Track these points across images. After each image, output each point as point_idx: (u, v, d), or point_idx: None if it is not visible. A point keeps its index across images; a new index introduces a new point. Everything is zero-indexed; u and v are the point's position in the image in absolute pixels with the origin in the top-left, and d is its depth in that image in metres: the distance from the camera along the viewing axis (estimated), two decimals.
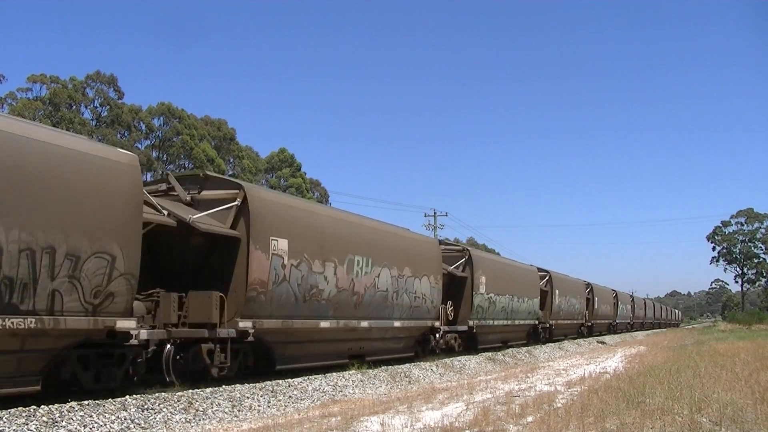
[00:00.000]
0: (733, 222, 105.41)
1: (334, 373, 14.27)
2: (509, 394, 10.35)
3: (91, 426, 8.22)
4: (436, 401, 9.91)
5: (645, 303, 70.44)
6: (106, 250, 9.50)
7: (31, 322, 8.55)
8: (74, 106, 47.32)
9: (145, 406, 9.26)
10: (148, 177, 42.61)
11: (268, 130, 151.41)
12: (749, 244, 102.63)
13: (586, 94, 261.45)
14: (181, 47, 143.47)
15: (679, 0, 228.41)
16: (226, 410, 10.12)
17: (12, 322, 8.32)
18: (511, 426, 7.21)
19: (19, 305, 8.44)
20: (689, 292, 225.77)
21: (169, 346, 11.36)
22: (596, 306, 41.96)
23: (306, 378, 13.32)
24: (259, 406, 10.75)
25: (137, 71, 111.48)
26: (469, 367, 19.26)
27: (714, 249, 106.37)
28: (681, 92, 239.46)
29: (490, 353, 23.11)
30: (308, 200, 17.62)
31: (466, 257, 22.86)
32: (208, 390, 10.84)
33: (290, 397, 11.71)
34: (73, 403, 8.70)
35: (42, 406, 8.30)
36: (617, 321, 50.45)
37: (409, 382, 15.36)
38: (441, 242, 23.46)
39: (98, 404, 8.88)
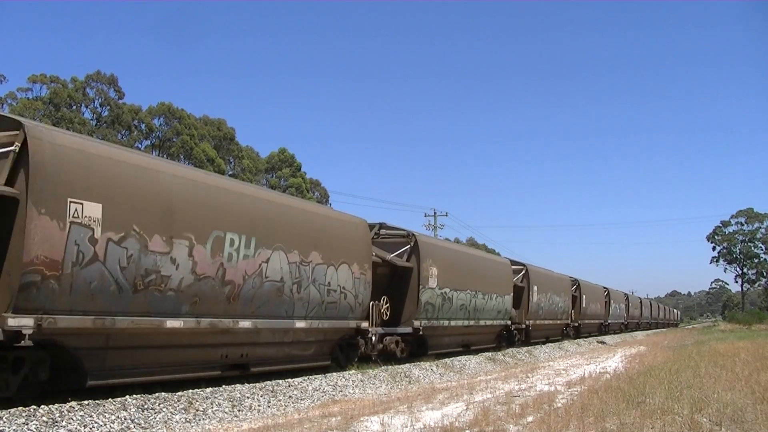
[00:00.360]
0: (733, 222, 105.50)
1: (334, 373, 14.28)
2: (509, 394, 10.35)
3: (91, 426, 8.22)
4: (436, 401, 9.91)
5: (641, 302, 66.48)
6: None
7: None
8: (74, 106, 47.32)
9: (145, 406, 9.26)
10: None
11: (268, 130, 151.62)
12: (749, 244, 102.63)
13: (586, 94, 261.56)
14: (181, 47, 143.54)
15: (679, 0, 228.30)
16: (226, 410, 10.12)
17: None
18: (511, 426, 7.21)
19: None
20: (689, 292, 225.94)
21: None
22: (584, 305, 38.65)
23: (306, 378, 13.32)
24: (259, 406, 10.75)
25: (137, 71, 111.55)
26: (469, 367, 19.28)
27: (714, 249, 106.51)
28: (681, 92, 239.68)
29: (490, 353, 23.08)
30: (147, 155, 13.21)
31: (412, 244, 18.98)
32: (208, 390, 10.84)
33: (290, 397, 11.72)
34: (73, 403, 8.70)
35: (42, 406, 8.30)
36: (609, 321, 47.23)
37: (409, 382, 15.37)
38: (382, 226, 19.85)
39: (98, 404, 8.88)
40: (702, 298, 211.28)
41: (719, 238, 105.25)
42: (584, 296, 38.78)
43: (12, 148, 8.78)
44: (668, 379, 10.72)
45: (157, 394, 9.95)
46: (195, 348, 11.47)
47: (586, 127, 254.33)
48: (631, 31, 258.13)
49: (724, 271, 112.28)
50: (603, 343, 36.02)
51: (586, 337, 38.99)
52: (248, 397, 10.95)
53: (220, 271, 11.34)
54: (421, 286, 18.67)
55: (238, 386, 11.50)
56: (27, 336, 8.57)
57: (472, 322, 22.55)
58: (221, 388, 11.12)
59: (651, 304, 75.87)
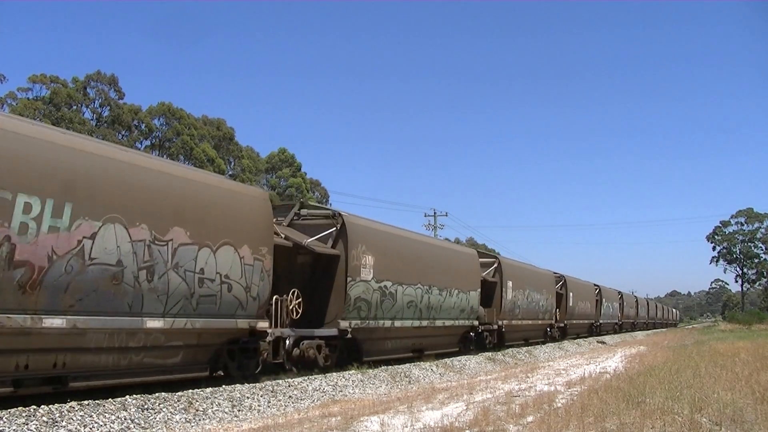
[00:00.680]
0: (733, 222, 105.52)
1: (334, 373, 14.28)
2: (509, 394, 10.35)
3: (91, 426, 8.23)
4: (436, 401, 9.91)
5: (637, 301, 61.93)
6: None
7: None
8: (75, 106, 47.33)
9: (145, 406, 9.27)
10: None
11: (268, 130, 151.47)
12: (749, 244, 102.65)
13: (585, 94, 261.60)
14: (181, 47, 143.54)
15: (679, 0, 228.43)
16: (226, 410, 10.12)
17: None
18: (511, 426, 7.21)
19: None
20: (689, 292, 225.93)
21: None
22: (571, 303, 35.44)
23: (306, 378, 13.32)
24: (259, 406, 10.75)
25: (137, 71, 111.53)
26: (469, 367, 19.28)
27: (714, 249, 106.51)
28: (681, 92, 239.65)
29: (489, 353, 23.04)
30: None
31: (338, 227, 15.55)
32: (208, 390, 10.85)
33: (290, 397, 11.72)
34: (73, 403, 8.71)
35: (42, 406, 8.30)
36: (601, 321, 43.58)
37: (409, 382, 15.37)
38: (303, 204, 16.99)
39: (98, 404, 8.89)
40: (702, 298, 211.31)
41: (719, 238, 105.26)
42: (571, 294, 35.58)
43: None
44: (668, 379, 10.72)
45: (157, 394, 9.95)
46: None
47: (586, 127, 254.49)
48: (631, 31, 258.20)
49: (724, 271, 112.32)
50: (603, 343, 36.02)
51: (574, 338, 36.46)
52: (248, 397, 10.96)
53: (5, 247, 8.36)
54: (350, 278, 15.23)
55: (238, 386, 11.50)
56: None
57: (425, 323, 18.95)
58: (221, 388, 11.13)
59: (648, 304, 72.11)
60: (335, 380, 13.58)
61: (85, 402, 8.87)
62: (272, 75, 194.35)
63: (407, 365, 17.24)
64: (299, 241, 14.90)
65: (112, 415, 8.68)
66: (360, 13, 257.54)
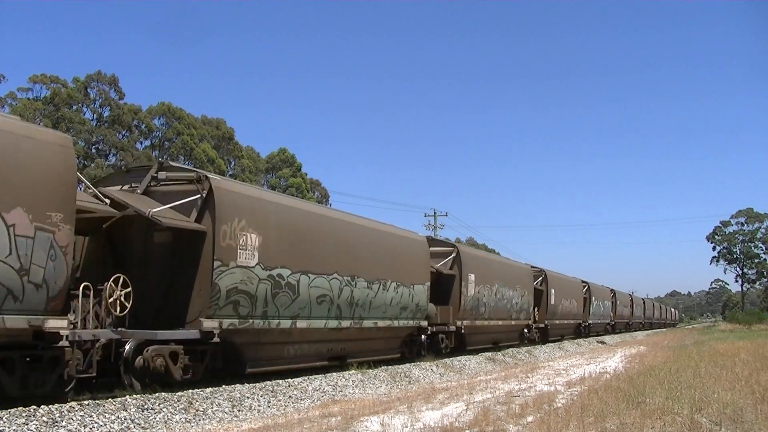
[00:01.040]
0: (733, 222, 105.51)
1: (334, 373, 14.28)
2: (509, 394, 10.35)
3: (91, 426, 8.23)
4: (436, 401, 9.91)
5: (632, 300, 57.77)
6: None
7: None
8: (75, 107, 47.35)
9: (145, 406, 9.27)
10: None
11: (268, 130, 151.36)
12: (749, 244, 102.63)
13: (585, 94, 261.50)
14: (181, 47, 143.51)
15: (679, 0, 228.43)
16: (226, 410, 10.13)
17: None
18: (511, 426, 7.21)
19: None
20: (689, 292, 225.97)
21: None
22: (553, 301, 31.87)
23: (306, 378, 13.32)
24: (259, 406, 10.75)
25: (137, 71, 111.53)
26: (469, 367, 19.27)
27: (714, 249, 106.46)
28: (681, 92, 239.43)
29: (489, 353, 23.02)
30: None
31: (203, 194, 11.74)
32: (208, 390, 10.85)
33: (290, 397, 11.72)
34: (73, 403, 8.72)
35: (42, 406, 8.31)
36: (590, 322, 40.07)
37: (409, 382, 15.37)
38: (163, 165, 12.62)
39: (98, 404, 8.90)
40: (702, 298, 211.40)
41: (719, 238, 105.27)
42: (553, 291, 31.93)
43: None
44: (668, 379, 10.72)
45: (157, 394, 9.96)
46: None
47: (586, 127, 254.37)
48: (631, 31, 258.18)
49: (724, 272, 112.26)
50: (603, 343, 36.02)
51: (558, 341, 33.40)
52: (248, 397, 10.96)
53: None
54: (219, 263, 11.49)
55: (238, 386, 11.51)
56: None
57: (347, 323, 15.29)
58: (221, 388, 11.13)
59: (645, 303, 67.86)
60: (335, 380, 13.59)
61: (85, 402, 8.88)
62: (272, 75, 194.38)
63: (407, 365, 17.23)
64: (139, 210, 11.01)
65: (112, 415, 8.69)
66: (360, 13, 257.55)
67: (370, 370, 15.27)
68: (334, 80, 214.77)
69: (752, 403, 8.01)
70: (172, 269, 11.84)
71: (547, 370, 16.24)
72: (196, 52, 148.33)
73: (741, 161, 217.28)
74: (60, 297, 9.28)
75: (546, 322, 31.16)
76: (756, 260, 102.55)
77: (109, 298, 10.40)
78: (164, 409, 9.41)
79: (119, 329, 10.60)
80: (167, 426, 8.96)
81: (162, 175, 12.33)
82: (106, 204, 10.90)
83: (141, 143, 51.49)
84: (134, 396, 9.62)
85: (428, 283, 19.28)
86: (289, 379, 12.88)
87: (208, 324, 11.51)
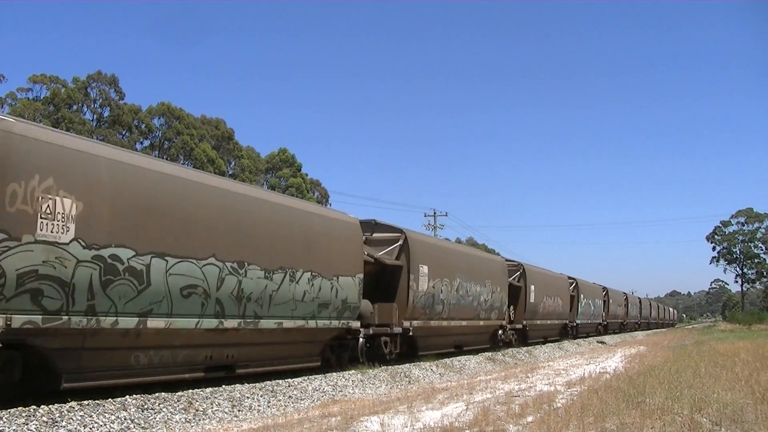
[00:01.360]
0: (733, 222, 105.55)
1: (334, 373, 14.29)
2: (509, 394, 10.35)
3: (91, 426, 8.23)
4: (436, 401, 9.91)
5: (627, 299, 53.74)
6: None
7: None
8: (75, 107, 47.35)
9: (145, 406, 9.27)
10: None
11: (268, 130, 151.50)
12: (749, 244, 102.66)
13: (586, 94, 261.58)
14: (180, 47, 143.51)
15: (679, 0, 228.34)
16: (226, 410, 10.13)
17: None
18: (511, 426, 7.21)
19: None
20: (689, 292, 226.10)
21: None
22: (533, 299, 28.28)
23: (306, 378, 13.32)
24: (259, 406, 10.75)
25: (137, 71, 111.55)
26: (469, 367, 19.26)
27: (714, 249, 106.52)
28: (681, 92, 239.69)
29: (489, 353, 22.99)
30: None
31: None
32: (208, 390, 10.85)
33: (290, 397, 11.72)
34: (73, 403, 8.71)
35: (42, 406, 8.31)
36: (579, 322, 36.87)
37: (409, 382, 15.37)
38: None
39: (98, 404, 8.89)
40: (702, 298, 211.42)
41: (719, 238, 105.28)
42: (533, 287, 28.36)
43: None
44: (668, 379, 10.72)
45: (157, 394, 9.96)
46: None
47: (586, 127, 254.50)
48: (631, 31, 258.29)
49: (724, 272, 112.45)
50: (603, 343, 36.03)
51: (542, 343, 30.64)
52: (248, 397, 10.96)
53: None
54: (3, 236, 8.38)
55: (238, 386, 11.50)
56: None
57: (237, 323, 11.79)
58: (221, 388, 11.13)
59: (641, 302, 63.26)
60: (335, 380, 13.59)
61: (85, 402, 8.87)
62: (272, 75, 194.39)
63: (407, 365, 17.22)
64: None
65: (112, 415, 8.69)
66: (360, 13, 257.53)
67: (370, 370, 15.27)
68: (334, 80, 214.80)
69: (752, 403, 8.01)
70: None
71: (547, 370, 16.24)
72: (196, 52, 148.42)
73: (741, 161, 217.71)
74: None
75: (524, 322, 27.63)
76: (756, 260, 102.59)
77: None
78: (164, 409, 9.41)
79: None
80: (167, 426, 8.96)
81: None
82: None
83: (141, 143, 51.51)
84: (134, 396, 9.62)
85: (360, 275, 15.52)
86: (289, 379, 12.89)
87: None
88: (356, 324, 15.65)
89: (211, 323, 11.37)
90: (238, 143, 58.08)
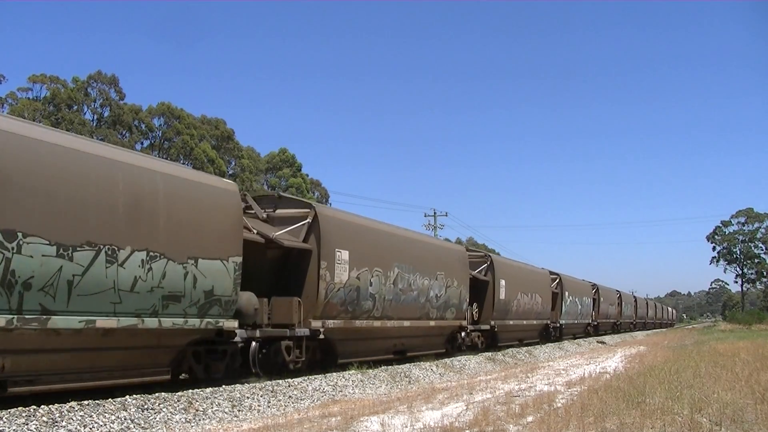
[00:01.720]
0: (733, 222, 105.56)
1: (334, 373, 14.28)
2: (509, 394, 10.35)
3: (91, 426, 8.23)
4: (436, 401, 9.91)
5: (620, 297, 49.51)
6: None
7: None
8: (75, 107, 47.37)
9: (145, 406, 9.27)
10: None
11: (268, 130, 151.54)
12: (749, 244, 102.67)
13: (585, 94, 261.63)
14: (181, 47, 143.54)
15: (679, 0, 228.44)
16: (226, 410, 10.13)
17: None
18: (511, 426, 7.21)
19: None
20: (689, 292, 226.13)
21: None
22: (503, 296, 24.53)
23: (306, 378, 13.32)
24: (259, 406, 10.75)
25: (137, 71, 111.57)
26: (469, 367, 19.26)
27: (714, 249, 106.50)
28: (681, 92, 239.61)
29: (489, 353, 22.99)
30: None
31: None
32: (208, 390, 10.85)
33: (290, 397, 11.72)
34: (73, 403, 8.71)
35: (42, 406, 8.31)
36: (563, 322, 33.33)
37: (409, 382, 15.37)
38: None
39: (98, 404, 8.89)
40: (702, 298, 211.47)
41: (719, 238, 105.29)
42: (503, 282, 24.62)
43: None
44: (668, 379, 10.73)
45: (157, 394, 9.96)
46: None
47: (586, 127, 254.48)
48: (631, 31, 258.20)
49: (724, 271, 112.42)
50: (603, 343, 36.04)
51: (515, 346, 26.34)
52: (248, 397, 10.96)
53: None
54: None
55: (238, 386, 11.51)
56: None
57: (15, 320, 8.49)
58: (221, 388, 11.13)
59: (636, 301, 58.80)
60: (335, 380, 13.58)
61: (85, 402, 8.88)
62: (272, 75, 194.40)
63: (407, 365, 17.22)
64: None
65: (112, 415, 8.69)
66: (359, 13, 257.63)
67: (370, 370, 15.27)
68: (334, 80, 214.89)
69: (752, 403, 8.01)
70: None
71: (546, 370, 16.24)
72: (196, 52, 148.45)
73: (741, 161, 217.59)
74: None
75: (493, 323, 23.97)
76: (756, 260, 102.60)
77: None
78: (164, 409, 9.41)
79: None
80: (167, 426, 8.96)
81: None
82: None
83: (141, 143, 51.54)
84: (134, 396, 9.62)
85: (237, 259, 11.76)
86: (289, 379, 12.88)
87: None
88: (231, 324, 11.80)
89: None
90: (238, 143, 58.11)
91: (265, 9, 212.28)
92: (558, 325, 32.92)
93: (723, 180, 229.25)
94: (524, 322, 27.63)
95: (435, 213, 57.71)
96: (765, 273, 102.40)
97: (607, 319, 44.51)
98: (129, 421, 8.71)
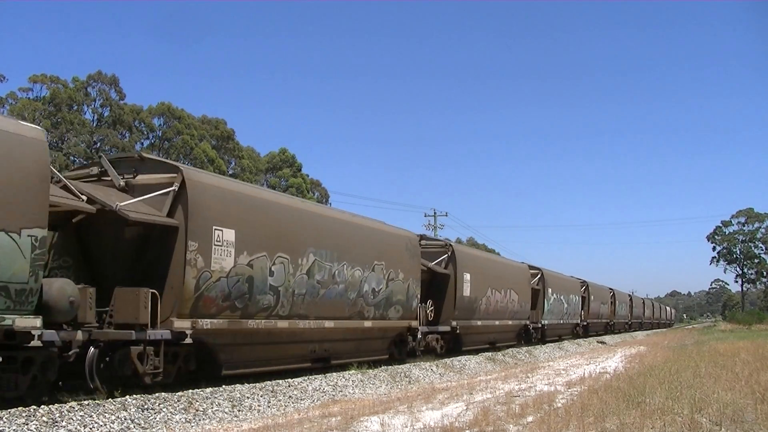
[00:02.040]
0: (733, 222, 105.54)
1: (334, 373, 14.28)
2: (509, 394, 10.35)
3: (91, 426, 8.23)
4: (436, 401, 9.91)
5: (614, 296, 46.21)
6: None
7: None
8: (75, 107, 47.36)
9: (145, 406, 9.27)
10: None
11: (268, 130, 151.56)
12: (749, 244, 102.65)
13: (585, 94, 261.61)
14: (181, 47, 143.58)
15: (679, 0, 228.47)
16: (226, 410, 10.13)
17: None
18: (511, 426, 7.21)
19: None
20: (689, 292, 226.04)
21: None
22: (467, 292, 21.38)
23: (306, 378, 13.32)
24: (259, 406, 10.75)
25: (137, 71, 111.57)
26: (469, 367, 19.26)
27: (714, 249, 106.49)
28: (681, 92, 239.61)
29: (490, 353, 22.98)
30: None
31: None
32: (208, 390, 10.85)
33: (290, 397, 11.72)
34: (73, 403, 8.71)
35: (42, 406, 8.31)
36: (545, 323, 30.27)
37: (409, 382, 15.37)
38: None
39: (98, 404, 8.89)
40: (702, 298, 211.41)
41: (719, 238, 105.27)
42: (467, 277, 21.40)
43: None
44: (668, 379, 10.73)
45: (157, 394, 9.96)
46: None
47: (586, 127, 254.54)
48: (631, 31, 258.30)
49: (724, 272, 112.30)
50: (603, 343, 36.04)
51: (472, 352, 22.39)
52: (248, 397, 10.96)
53: None
54: None
55: (238, 386, 11.50)
56: None
57: None
58: (221, 388, 11.13)
59: (632, 300, 55.49)
60: (335, 380, 13.58)
61: (85, 402, 8.88)
62: (272, 75, 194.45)
63: (407, 365, 17.21)
64: None
65: (112, 415, 8.68)
66: (359, 13, 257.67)
67: (370, 370, 15.28)
68: (334, 80, 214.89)
69: (752, 403, 8.01)
70: None
71: (547, 370, 16.24)
72: (196, 52, 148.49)
73: (741, 161, 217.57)
74: None
75: (454, 323, 20.65)
76: (756, 260, 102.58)
77: None
78: (164, 409, 9.41)
79: None
80: (167, 426, 8.96)
81: None
82: None
83: (141, 143, 51.54)
84: (134, 396, 9.62)
85: (38, 232, 8.72)
86: (289, 379, 12.88)
87: None
88: (28, 321, 8.60)
89: None
90: (238, 143, 58.06)
91: (265, 9, 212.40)
92: (540, 325, 29.80)
93: (723, 180, 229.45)
94: (496, 322, 24.27)
95: (435, 213, 57.73)
96: (765, 273, 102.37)
97: (599, 319, 41.46)
98: (129, 421, 8.71)
